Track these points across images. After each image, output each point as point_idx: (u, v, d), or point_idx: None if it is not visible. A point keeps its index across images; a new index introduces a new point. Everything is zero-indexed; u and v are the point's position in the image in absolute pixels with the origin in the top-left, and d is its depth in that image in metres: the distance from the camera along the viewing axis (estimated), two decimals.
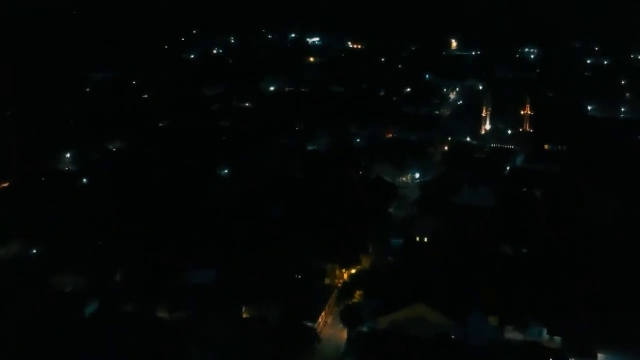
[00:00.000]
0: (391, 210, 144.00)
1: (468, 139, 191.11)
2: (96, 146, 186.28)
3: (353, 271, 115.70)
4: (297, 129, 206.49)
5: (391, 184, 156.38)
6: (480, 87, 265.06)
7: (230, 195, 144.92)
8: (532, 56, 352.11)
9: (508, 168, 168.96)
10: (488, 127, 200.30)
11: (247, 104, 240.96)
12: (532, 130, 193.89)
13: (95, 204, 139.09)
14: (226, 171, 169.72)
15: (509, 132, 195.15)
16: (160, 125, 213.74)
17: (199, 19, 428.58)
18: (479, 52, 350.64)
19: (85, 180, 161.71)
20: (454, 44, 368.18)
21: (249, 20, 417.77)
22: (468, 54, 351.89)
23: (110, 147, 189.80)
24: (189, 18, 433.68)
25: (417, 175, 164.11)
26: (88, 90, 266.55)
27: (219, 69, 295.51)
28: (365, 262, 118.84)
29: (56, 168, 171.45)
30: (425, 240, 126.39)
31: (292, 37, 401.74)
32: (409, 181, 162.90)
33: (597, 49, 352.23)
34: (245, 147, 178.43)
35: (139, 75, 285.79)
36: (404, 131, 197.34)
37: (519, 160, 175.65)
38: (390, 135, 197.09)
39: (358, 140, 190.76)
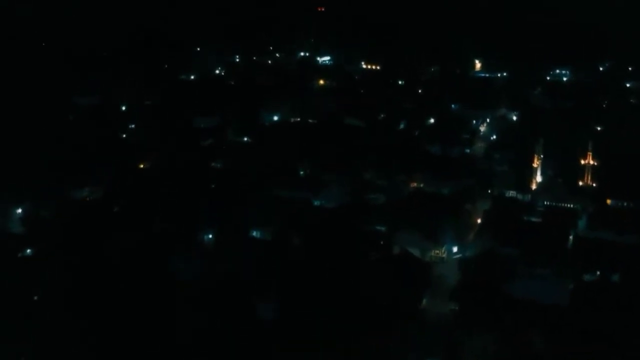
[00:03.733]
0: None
1: (513, 192, 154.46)
2: (57, 196, 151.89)
3: None
4: (301, 172, 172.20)
5: (421, 262, 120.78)
6: (514, 118, 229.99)
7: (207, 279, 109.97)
8: (565, 78, 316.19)
9: (571, 237, 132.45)
10: (538, 176, 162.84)
11: (245, 138, 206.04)
12: (593, 183, 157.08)
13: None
14: (210, 236, 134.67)
15: (562, 181, 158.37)
16: (141, 166, 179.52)
17: (204, 35, 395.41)
18: (504, 74, 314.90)
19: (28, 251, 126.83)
20: (478, 64, 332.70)
21: (256, 37, 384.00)
22: (493, 75, 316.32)
23: (75, 196, 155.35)
24: (194, 34, 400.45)
25: (455, 249, 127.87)
26: (70, 118, 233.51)
27: (218, 92, 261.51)
28: None
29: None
30: None
31: (301, 56, 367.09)
32: (443, 255, 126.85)
33: (630, 69, 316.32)
34: (235, 202, 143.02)
35: (130, 99, 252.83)
36: (431, 179, 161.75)
37: (581, 224, 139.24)
38: (415, 185, 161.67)
39: (376, 193, 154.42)
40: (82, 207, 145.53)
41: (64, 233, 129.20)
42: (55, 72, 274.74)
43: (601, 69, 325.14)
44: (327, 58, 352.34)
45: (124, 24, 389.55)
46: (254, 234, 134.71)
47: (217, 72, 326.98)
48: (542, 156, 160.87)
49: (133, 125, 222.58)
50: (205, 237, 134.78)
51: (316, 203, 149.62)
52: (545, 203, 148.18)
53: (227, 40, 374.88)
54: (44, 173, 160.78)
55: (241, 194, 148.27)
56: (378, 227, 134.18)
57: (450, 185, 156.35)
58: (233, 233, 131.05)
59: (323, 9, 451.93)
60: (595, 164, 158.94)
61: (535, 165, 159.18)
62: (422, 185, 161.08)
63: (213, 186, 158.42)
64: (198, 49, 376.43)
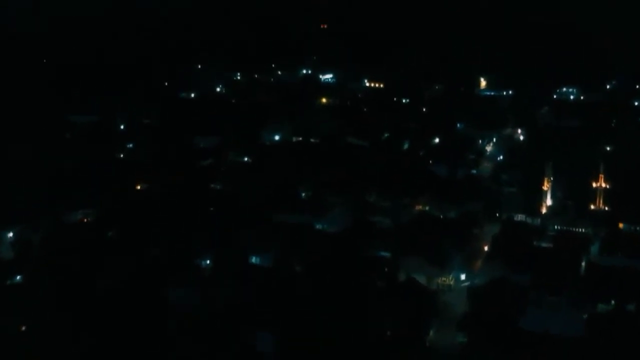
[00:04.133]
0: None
1: (522, 216, 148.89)
2: (50, 219, 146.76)
3: None
4: (303, 194, 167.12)
5: (428, 290, 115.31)
6: (521, 137, 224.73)
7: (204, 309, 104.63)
8: (571, 97, 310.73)
9: (583, 263, 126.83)
10: (547, 199, 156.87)
11: (246, 158, 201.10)
12: (605, 206, 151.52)
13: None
14: (207, 262, 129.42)
15: (573, 204, 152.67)
16: (138, 187, 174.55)
17: (206, 52, 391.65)
18: (510, 92, 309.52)
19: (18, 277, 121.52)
20: (483, 82, 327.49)
21: (258, 54, 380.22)
22: (499, 93, 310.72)
23: (69, 219, 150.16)
24: (195, 51, 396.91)
25: (463, 276, 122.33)
26: (67, 137, 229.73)
27: (219, 111, 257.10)
28: None
29: None
30: None
31: (303, 73, 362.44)
32: (451, 283, 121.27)
33: (637, 87, 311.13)
34: (234, 226, 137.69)
35: (130, 117, 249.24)
36: (437, 202, 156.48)
37: (594, 249, 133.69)
38: (420, 208, 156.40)
39: (380, 216, 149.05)
40: (75, 231, 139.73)
41: (55, 259, 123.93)
42: (53, 89, 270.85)
43: (608, 87, 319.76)
44: (329, 76, 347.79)
45: (124, 40, 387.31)
46: (254, 260, 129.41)
47: (218, 89, 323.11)
48: (551, 178, 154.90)
49: (131, 145, 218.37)
50: (203, 262, 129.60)
51: (318, 227, 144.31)
52: (556, 227, 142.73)
53: (228, 57, 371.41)
54: (37, 194, 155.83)
55: (240, 217, 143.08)
56: (382, 253, 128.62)
57: (457, 208, 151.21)
58: (231, 259, 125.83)
59: (326, 26, 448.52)
60: (607, 186, 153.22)
61: (544, 187, 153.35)
62: (427, 208, 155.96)
63: (212, 209, 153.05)
64: (199, 66, 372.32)
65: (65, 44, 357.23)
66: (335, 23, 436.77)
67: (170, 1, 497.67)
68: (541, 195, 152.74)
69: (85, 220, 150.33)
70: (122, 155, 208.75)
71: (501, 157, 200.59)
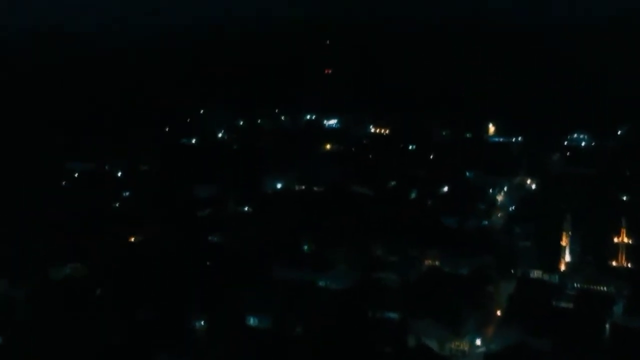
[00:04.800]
0: None
1: (539, 272, 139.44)
2: (35, 275, 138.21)
3: None
4: (305, 247, 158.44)
5: (440, 356, 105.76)
6: (534, 186, 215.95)
7: None
8: (583, 143, 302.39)
9: (607, 325, 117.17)
10: (566, 254, 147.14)
11: (246, 208, 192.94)
12: (628, 263, 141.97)
13: None
14: (202, 322, 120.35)
15: (593, 260, 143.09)
16: (132, 239, 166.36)
17: (209, 97, 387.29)
18: (519, 138, 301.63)
19: None
20: (492, 128, 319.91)
21: (261, 99, 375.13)
22: (508, 140, 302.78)
23: (56, 274, 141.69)
24: (198, 95, 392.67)
25: (478, 341, 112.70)
26: (62, 185, 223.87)
27: (220, 158, 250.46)
28: None
29: None
30: None
31: (307, 119, 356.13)
32: (465, 348, 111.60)
33: None
34: (231, 284, 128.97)
35: (129, 164, 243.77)
36: (447, 256, 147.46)
37: (617, 310, 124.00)
38: (430, 262, 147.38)
39: (388, 271, 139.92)
40: (61, 289, 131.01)
41: (36, 321, 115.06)
42: (51, 135, 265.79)
43: (619, 132, 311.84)
44: (334, 121, 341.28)
45: (126, 84, 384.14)
46: (251, 321, 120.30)
47: (220, 135, 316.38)
48: (569, 232, 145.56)
49: (128, 193, 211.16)
50: (197, 323, 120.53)
51: (321, 284, 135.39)
52: (576, 285, 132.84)
53: (232, 102, 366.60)
54: (24, 246, 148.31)
55: (238, 273, 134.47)
56: (390, 314, 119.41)
57: (469, 263, 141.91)
58: (227, 320, 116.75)
59: (330, 71, 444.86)
60: (630, 241, 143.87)
61: (562, 242, 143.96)
62: (437, 262, 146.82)
63: (208, 263, 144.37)
64: (202, 111, 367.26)
65: (64, 87, 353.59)
66: (340, 68, 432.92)
67: (174, 45, 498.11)
68: (559, 250, 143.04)
69: (74, 276, 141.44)
70: (117, 204, 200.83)
71: (513, 208, 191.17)
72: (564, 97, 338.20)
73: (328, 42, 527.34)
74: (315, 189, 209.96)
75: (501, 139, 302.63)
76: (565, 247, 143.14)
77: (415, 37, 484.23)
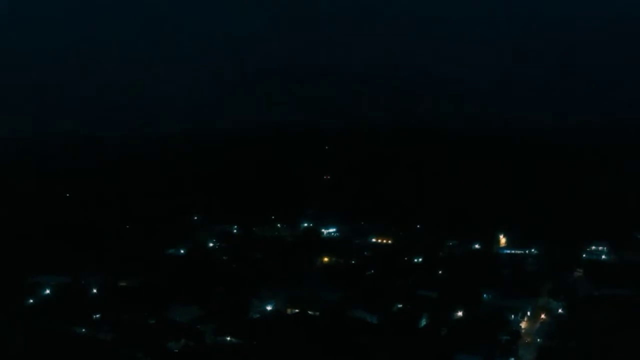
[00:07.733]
0: None
1: None
2: None
3: None
4: None
5: None
6: (560, 310, 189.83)
7: None
8: (603, 256, 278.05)
9: None
10: None
11: (228, 338, 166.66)
12: None
13: None
14: None
15: None
16: None
17: (201, 203, 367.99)
18: (533, 250, 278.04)
19: None
20: (503, 239, 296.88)
21: (257, 205, 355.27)
22: (522, 252, 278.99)
23: None
24: (189, 202, 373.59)
25: None
26: (25, 304, 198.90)
27: (205, 272, 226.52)
28: None
29: None
30: None
31: (305, 226, 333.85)
32: None
33: None
34: None
35: (106, 279, 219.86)
36: None
37: None
38: None
39: None
40: None
41: None
42: (21, 245, 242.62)
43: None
44: (333, 229, 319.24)
45: (111, 187, 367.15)
46: None
47: (211, 244, 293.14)
48: None
49: (98, 315, 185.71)
50: None
51: None
52: None
53: (226, 208, 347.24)
54: None
55: None
56: None
57: None
58: None
59: (329, 177, 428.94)
60: None
61: None
62: None
63: None
64: (195, 217, 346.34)
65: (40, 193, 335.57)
66: (340, 175, 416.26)
67: (165, 146, 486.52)
68: None
69: None
70: (83, 330, 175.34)
71: (541, 340, 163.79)
72: (578, 205, 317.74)
73: (327, 147, 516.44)
74: (310, 312, 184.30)
75: (513, 251, 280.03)
76: None
77: (419, 143, 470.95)
